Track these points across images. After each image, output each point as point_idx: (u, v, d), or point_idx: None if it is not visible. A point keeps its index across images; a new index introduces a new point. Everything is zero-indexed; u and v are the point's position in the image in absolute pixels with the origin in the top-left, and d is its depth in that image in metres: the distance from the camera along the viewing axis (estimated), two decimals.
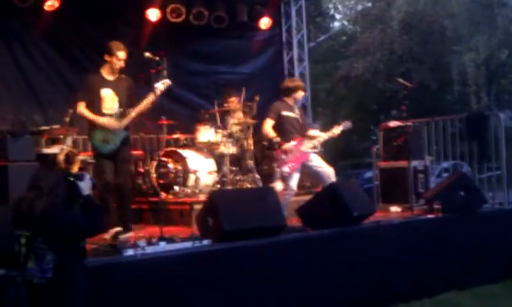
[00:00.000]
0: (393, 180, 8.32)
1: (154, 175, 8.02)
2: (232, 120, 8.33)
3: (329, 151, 9.39)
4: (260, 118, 7.73)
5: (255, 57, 11.25)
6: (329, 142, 7.72)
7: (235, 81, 10.25)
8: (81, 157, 7.22)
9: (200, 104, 9.78)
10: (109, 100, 6.29)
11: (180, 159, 7.94)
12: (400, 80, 9.07)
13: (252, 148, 8.47)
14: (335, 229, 6.04)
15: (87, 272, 3.97)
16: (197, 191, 7.77)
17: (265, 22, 11.03)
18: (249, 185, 8.05)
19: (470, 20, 22.66)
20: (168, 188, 7.88)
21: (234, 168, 8.24)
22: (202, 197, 7.32)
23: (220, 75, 10.61)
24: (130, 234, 6.28)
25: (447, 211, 7.10)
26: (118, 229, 6.11)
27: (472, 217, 7.28)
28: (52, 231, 3.65)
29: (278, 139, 7.03)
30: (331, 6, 28.42)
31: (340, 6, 28.67)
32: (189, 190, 7.77)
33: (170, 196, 7.82)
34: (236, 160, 8.40)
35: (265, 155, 8.71)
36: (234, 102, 8.53)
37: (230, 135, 8.10)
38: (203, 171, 7.92)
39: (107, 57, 6.32)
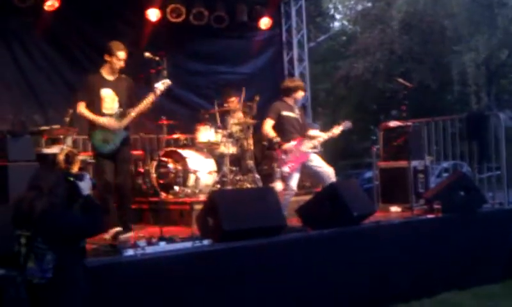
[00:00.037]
0: (393, 180, 8.32)
1: (154, 175, 8.02)
2: (232, 120, 8.33)
3: (329, 151, 9.39)
4: (260, 118, 7.73)
5: (255, 57, 11.25)
6: (329, 142, 7.72)
7: (235, 81, 10.26)
8: (81, 157, 7.22)
9: (199, 104, 9.78)
10: (109, 100, 6.29)
11: (180, 159, 7.94)
12: (400, 80, 9.07)
13: (252, 148, 8.47)
14: (335, 229, 6.04)
15: (87, 272, 3.98)
16: (197, 191, 7.77)
17: (265, 22, 11.03)
18: (249, 185, 8.05)
19: (470, 20, 22.66)
20: (168, 188, 7.89)
21: (234, 168, 8.24)
22: (202, 197, 7.33)
23: (220, 75, 10.61)
24: (130, 234, 6.28)
25: (447, 211, 7.10)
26: (118, 229, 6.11)
27: (471, 217, 7.27)
28: (52, 231, 3.65)
29: (278, 139, 7.03)
30: (331, 6, 28.42)
31: (340, 6, 28.68)
32: (189, 190, 7.76)
33: (170, 196, 7.82)
34: (236, 160, 8.40)
35: (265, 155, 8.71)
36: (234, 102, 8.52)
37: (230, 135, 8.10)
38: (203, 171, 7.92)
39: (107, 57, 6.32)
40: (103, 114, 6.22)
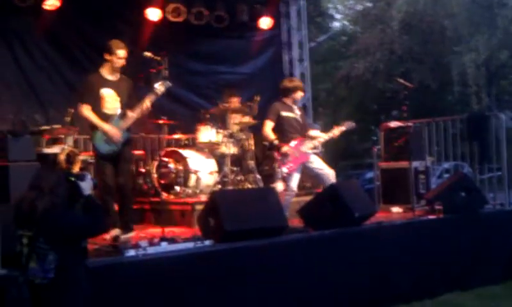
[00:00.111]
0: (394, 181, 8.32)
1: (155, 175, 8.01)
2: (232, 120, 8.31)
3: (330, 152, 9.40)
4: (260, 118, 7.72)
5: (255, 57, 11.22)
6: (329, 143, 7.72)
7: (235, 81, 10.26)
8: (82, 156, 7.20)
9: (200, 104, 9.75)
10: (111, 99, 6.28)
11: (181, 159, 7.93)
12: (401, 80, 9.07)
13: (253, 148, 8.47)
14: (336, 230, 6.05)
15: (88, 273, 3.97)
16: (198, 191, 7.76)
17: (265, 22, 11.01)
18: (250, 186, 8.05)
19: (470, 21, 22.68)
20: (169, 188, 7.88)
21: (235, 168, 8.23)
22: (203, 198, 7.32)
23: (220, 75, 10.58)
24: (131, 234, 6.27)
25: (448, 212, 7.11)
26: (118, 231, 6.09)
27: (473, 218, 7.27)
28: (54, 231, 3.64)
29: (277, 142, 7.02)
30: (331, 5, 28.40)
31: (340, 6, 28.68)
32: (190, 191, 7.76)
33: (171, 196, 7.81)
34: (237, 160, 8.39)
35: (266, 156, 8.69)
36: (235, 102, 8.51)
37: (231, 136, 8.09)
38: (204, 171, 7.91)
39: (107, 56, 6.31)
40: (104, 114, 6.22)
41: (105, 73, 6.35)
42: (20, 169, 5.48)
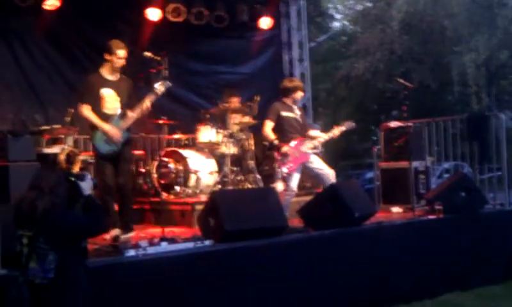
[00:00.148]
0: (394, 181, 8.32)
1: (155, 175, 8.01)
2: (232, 120, 8.31)
3: (330, 152, 9.40)
4: (260, 118, 7.72)
5: (255, 57, 11.22)
6: (329, 143, 7.71)
7: (235, 81, 10.26)
8: (82, 156, 7.20)
9: (200, 104, 9.75)
10: (111, 99, 6.28)
11: (181, 159, 7.93)
12: (401, 80, 9.07)
13: (253, 148, 8.47)
14: (336, 230, 6.05)
15: (88, 273, 3.96)
16: (198, 191, 7.76)
17: (265, 22, 11.01)
18: (250, 186, 8.05)
19: (470, 21, 22.68)
20: (169, 188, 7.88)
21: (235, 168, 8.22)
22: (203, 198, 7.32)
23: (220, 75, 10.58)
24: (131, 234, 6.27)
25: (448, 212, 7.11)
26: (117, 232, 6.09)
27: (473, 218, 7.27)
28: (54, 231, 3.64)
29: (276, 142, 7.03)
30: (331, 5, 28.41)
31: (340, 6, 28.68)
32: (190, 191, 7.76)
33: (171, 196, 7.81)
34: (237, 160, 8.38)
35: (266, 156, 8.69)
36: (235, 102, 8.51)
37: (231, 136, 8.09)
38: (204, 171, 7.91)
39: (107, 56, 6.31)
40: (104, 114, 6.22)
41: (105, 73, 6.35)
42: (20, 169, 5.48)
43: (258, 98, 8.50)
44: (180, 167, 7.87)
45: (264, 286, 5.31)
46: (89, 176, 4.12)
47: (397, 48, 24.18)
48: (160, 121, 8.41)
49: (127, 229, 6.26)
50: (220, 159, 8.18)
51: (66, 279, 3.65)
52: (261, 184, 8.03)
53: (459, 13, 22.64)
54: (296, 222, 6.63)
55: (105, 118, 6.24)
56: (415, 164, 8.18)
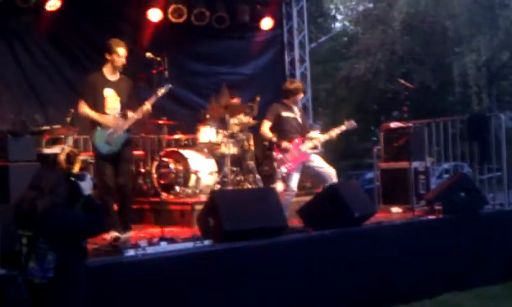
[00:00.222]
0: (394, 181, 8.32)
1: (155, 175, 8.02)
2: (232, 120, 8.32)
3: (330, 152, 9.38)
4: (261, 118, 7.73)
5: (256, 58, 11.23)
6: (329, 143, 7.71)
7: (236, 82, 10.26)
8: (82, 156, 7.20)
9: (200, 104, 9.75)
10: (111, 100, 6.29)
11: (181, 159, 7.94)
12: (402, 81, 9.07)
13: (253, 148, 8.48)
14: (336, 230, 6.05)
15: (88, 272, 3.97)
16: (198, 191, 7.77)
17: (266, 23, 11.02)
18: (250, 186, 8.06)
19: (471, 21, 22.66)
20: (168, 188, 7.88)
21: (235, 169, 8.24)
22: (203, 198, 7.33)
23: (221, 76, 10.58)
24: (130, 234, 6.28)
25: (448, 212, 7.11)
26: (117, 234, 6.09)
27: (472, 218, 7.27)
28: (54, 231, 3.65)
29: (274, 139, 7.04)
30: (332, 6, 28.40)
31: (341, 7, 28.67)
32: (189, 191, 7.76)
33: (171, 196, 7.82)
34: (237, 160, 8.39)
35: (266, 156, 8.69)
36: (231, 100, 8.52)
37: (231, 136, 8.09)
38: (204, 172, 7.92)
39: (107, 56, 6.32)
40: (105, 114, 6.23)
41: (106, 72, 6.36)
42: (20, 169, 5.51)
43: (258, 99, 8.51)
44: (180, 168, 7.88)
45: (264, 286, 5.31)
46: (89, 176, 4.12)
47: (398, 48, 24.17)
48: (161, 122, 8.41)
49: (125, 228, 6.27)
50: (220, 159, 8.19)
51: (65, 279, 3.66)
52: (261, 184, 8.04)
53: (461, 14, 22.62)
54: (295, 222, 6.63)
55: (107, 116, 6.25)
56: (415, 164, 8.18)
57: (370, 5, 26.52)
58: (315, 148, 7.30)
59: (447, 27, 23.34)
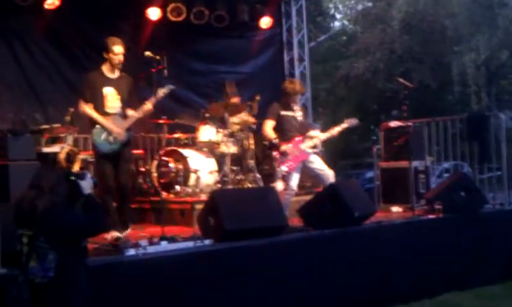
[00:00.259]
0: (394, 180, 8.32)
1: (155, 174, 8.00)
2: (233, 119, 8.31)
3: (330, 151, 9.40)
4: (260, 117, 7.72)
5: (255, 57, 11.23)
6: (329, 143, 7.72)
7: (235, 81, 10.24)
8: (82, 155, 7.19)
9: (200, 103, 9.74)
10: (112, 98, 6.28)
11: (181, 158, 7.93)
12: (401, 80, 9.07)
13: (253, 147, 8.47)
14: (336, 230, 6.05)
15: (89, 272, 3.97)
16: (198, 191, 7.76)
17: (265, 22, 11.03)
18: (250, 185, 8.05)
19: (470, 20, 22.67)
20: (168, 187, 7.88)
21: (235, 168, 8.23)
22: (203, 197, 7.31)
23: (220, 75, 10.56)
24: (128, 232, 6.28)
25: (448, 211, 7.11)
26: (118, 234, 6.09)
27: (472, 217, 7.28)
28: (54, 230, 3.64)
29: (276, 141, 7.03)
30: (331, 5, 28.41)
31: (340, 6, 28.67)
32: (190, 190, 7.75)
33: (171, 196, 7.81)
34: (237, 159, 8.39)
35: (266, 155, 8.69)
36: (236, 102, 8.51)
37: (231, 135, 8.09)
38: (204, 171, 7.91)
39: (105, 55, 6.31)
40: (106, 113, 6.22)
41: (105, 71, 6.35)
42: (20, 168, 5.50)
43: (258, 98, 8.50)
44: (180, 167, 7.87)
45: (264, 286, 5.31)
46: (89, 175, 4.12)
47: (397, 47, 24.17)
48: (160, 121, 8.40)
49: (124, 227, 6.27)
50: (220, 158, 8.18)
51: (66, 279, 3.65)
52: (261, 183, 8.03)
53: (460, 13, 22.63)
54: (295, 221, 6.62)
55: (107, 116, 6.24)
56: (415, 163, 8.19)
57: (369, 4, 26.52)
58: (315, 147, 7.30)
59: (446, 26, 23.34)
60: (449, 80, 23.58)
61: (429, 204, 7.51)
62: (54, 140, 7.33)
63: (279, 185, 6.86)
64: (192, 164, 7.83)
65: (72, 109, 7.31)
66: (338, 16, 29.45)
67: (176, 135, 8.66)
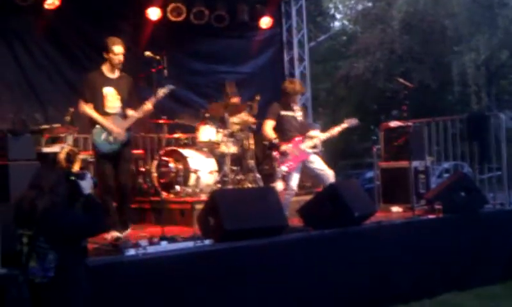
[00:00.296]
0: (394, 180, 8.32)
1: (155, 174, 8.00)
2: (233, 119, 8.31)
3: (330, 152, 9.40)
4: (260, 117, 7.72)
5: (255, 57, 11.23)
6: (329, 143, 7.72)
7: (235, 81, 10.25)
8: (82, 155, 7.19)
9: (200, 103, 9.73)
10: (112, 98, 6.28)
11: (181, 158, 7.92)
12: (401, 80, 9.07)
13: (253, 147, 8.47)
14: (336, 230, 6.05)
15: (88, 272, 3.97)
16: (198, 191, 7.75)
17: (265, 22, 11.03)
18: (250, 185, 8.05)
19: (470, 20, 22.67)
20: (168, 187, 7.87)
21: (235, 168, 8.23)
22: (203, 197, 7.31)
23: (220, 75, 10.55)
24: (128, 232, 6.28)
25: (448, 211, 7.11)
26: (118, 234, 6.09)
27: (472, 217, 7.28)
28: (54, 230, 3.64)
29: (277, 141, 7.03)
30: (331, 5, 28.41)
31: (340, 6, 28.68)
32: (190, 190, 7.75)
33: (171, 196, 7.81)
34: (237, 159, 8.39)
35: (266, 155, 8.69)
36: (236, 102, 8.51)
37: (231, 135, 8.09)
38: (204, 171, 7.91)
39: (105, 55, 6.31)
40: (106, 113, 6.22)
41: (105, 71, 6.35)
42: (20, 168, 5.49)
43: (258, 98, 8.50)
44: (180, 167, 7.87)
45: (264, 286, 5.31)
46: (89, 175, 4.11)
47: (397, 47, 24.17)
48: (160, 121, 8.40)
49: (124, 227, 6.28)
50: (220, 158, 8.18)
51: (66, 279, 3.65)
52: (261, 183, 8.03)
53: (460, 13, 22.64)
54: (295, 221, 6.62)
55: (107, 116, 6.24)
56: (415, 163, 8.18)
57: (369, 4, 26.53)
58: (315, 147, 7.30)
59: (446, 26, 23.34)
60: (449, 80, 23.58)
61: (429, 205, 7.51)
62: (54, 140, 7.33)
63: (279, 185, 6.86)
64: (192, 164, 7.83)
65: (71, 109, 7.31)
66: (338, 16, 29.50)
67: (176, 135, 8.66)
